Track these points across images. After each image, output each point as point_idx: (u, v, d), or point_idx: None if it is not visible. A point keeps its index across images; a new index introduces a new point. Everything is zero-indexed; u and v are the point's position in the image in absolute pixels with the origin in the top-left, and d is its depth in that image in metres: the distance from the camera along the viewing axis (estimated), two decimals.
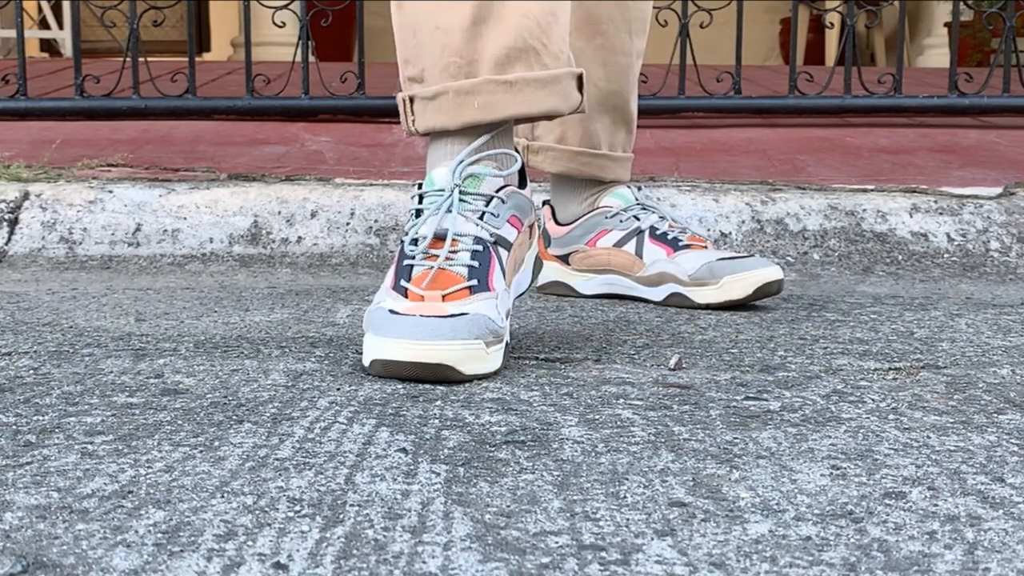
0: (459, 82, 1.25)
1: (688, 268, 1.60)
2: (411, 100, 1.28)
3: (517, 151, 1.29)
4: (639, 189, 1.73)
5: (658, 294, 1.64)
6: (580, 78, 1.29)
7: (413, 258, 1.22)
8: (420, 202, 1.25)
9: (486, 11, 1.23)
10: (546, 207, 1.77)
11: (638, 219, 1.68)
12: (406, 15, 1.28)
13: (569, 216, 1.73)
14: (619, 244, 1.67)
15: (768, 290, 1.59)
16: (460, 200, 1.23)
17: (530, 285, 1.35)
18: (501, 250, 1.25)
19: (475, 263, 1.21)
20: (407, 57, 1.28)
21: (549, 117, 1.29)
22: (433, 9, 1.25)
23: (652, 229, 1.67)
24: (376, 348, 1.14)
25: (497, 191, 1.25)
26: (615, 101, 1.69)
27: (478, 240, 1.22)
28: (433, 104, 1.26)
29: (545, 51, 1.25)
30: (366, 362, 1.16)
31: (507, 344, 1.22)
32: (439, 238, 1.22)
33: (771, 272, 1.60)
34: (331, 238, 2.03)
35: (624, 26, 1.67)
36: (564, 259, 1.71)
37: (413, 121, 1.28)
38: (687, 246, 1.64)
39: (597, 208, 1.70)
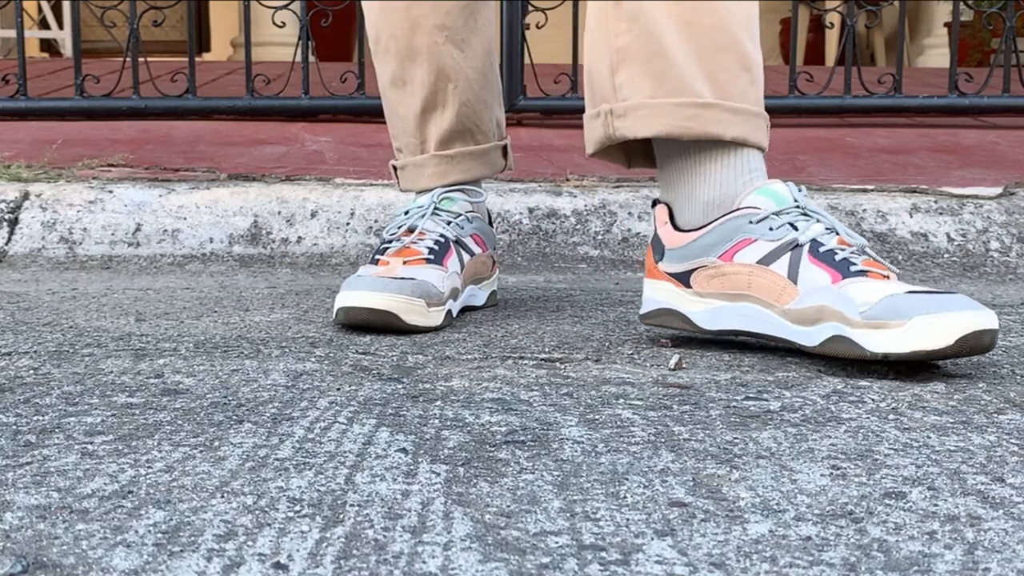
0: (415, 157, 1.61)
1: (861, 303, 1.17)
2: (394, 168, 1.65)
3: (482, 191, 1.63)
4: (800, 189, 1.30)
5: (813, 337, 1.21)
6: (505, 148, 1.64)
7: (390, 242, 1.52)
8: (405, 214, 1.56)
9: (432, 101, 1.57)
10: (659, 207, 1.36)
11: (795, 228, 1.26)
12: (386, 103, 1.63)
13: (694, 219, 1.32)
14: (764, 261, 1.26)
15: (978, 342, 1.14)
16: (434, 212, 1.55)
17: (481, 307, 1.60)
18: (463, 251, 1.54)
19: (435, 248, 1.50)
20: (391, 134, 1.65)
21: (481, 179, 1.62)
22: (398, 100, 1.60)
23: (814, 244, 1.24)
24: (340, 299, 1.40)
25: (467, 212, 1.58)
26: (717, 38, 1.28)
27: (443, 235, 1.53)
28: (402, 173, 1.63)
29: (478, 130, 1.59)
30: (333, 314, 1.43)
31: (450, 313, 1.47)
32: (411, 230, 1.53)
33: (984, 318, 1.15)
34: (331, 238, 2.03)
35: None
36: (683, 278, 1.32)
37: (397, 182, 1.65)
38: (862, 272, 1.21)
39: (740, 209, 1.28)
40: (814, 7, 6.37)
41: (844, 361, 1.24)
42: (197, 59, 3.01)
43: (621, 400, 1.09)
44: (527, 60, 2.88)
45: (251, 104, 2.90)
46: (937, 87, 3.34)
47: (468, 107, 1.58)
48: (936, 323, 1.14)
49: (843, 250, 1.24)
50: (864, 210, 2.07)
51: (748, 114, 1.30)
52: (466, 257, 1.55)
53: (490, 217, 1.66)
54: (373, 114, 2.84)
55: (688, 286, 1.32)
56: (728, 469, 0.89)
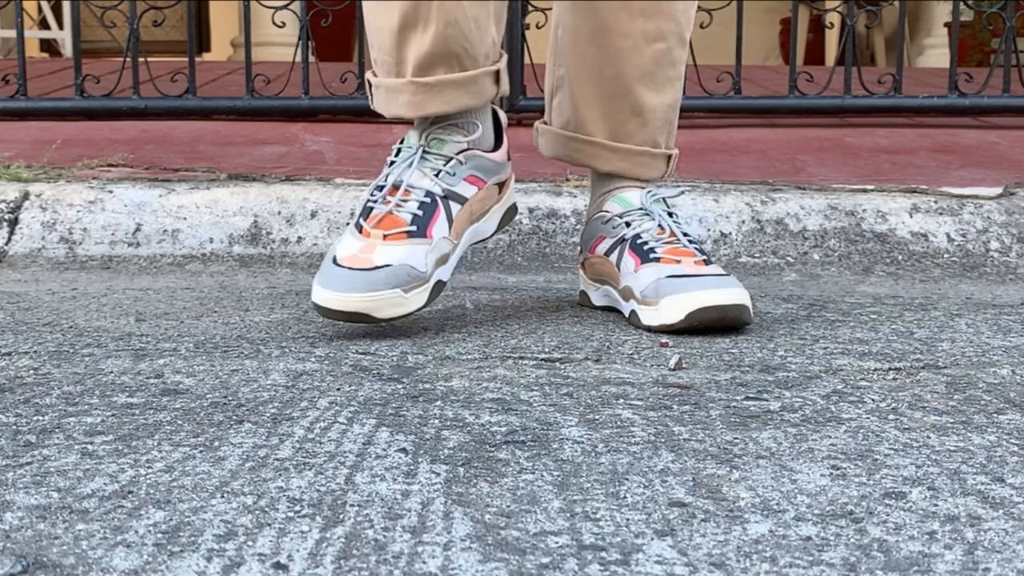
0: (390, 79, 1.44)
1: (641, 284, 1.45)
2: (369, 84, 1.49)
3: (479, 123, 1.46)
4: (667, 198, 1.56)
5: (627, 310, 1.48)
6: (497, 73, 1.46)
7: (375, 202, 1.42)
8: (396, 155, 1.45)
9: (413, 16, 1.39)
10: None
11: (628, 226, 1.52)
12: (366, 12, 1.47)
13: (587, 218, 1.64)
14: (607, 253, 1.53)
15: (708, 317, 1.38)
16: (422, 158, 1.43)
17: (492, 234, 1.54)
18: (453, 204, 1.43)
19: (420, 212, 1.41)
20: (369, 44, 1.47)
21: (466, 110, 1.46)
22: (375, 10, 1.43)
23: (635, 238, 1.50)
24: (315, 294, 1.36)
25: (459, 153, 1.44)
26: (615, 87, 1.53)
27: (428, 193, 1.42)
28: (376, 92, 1.47)
29: (466, 55, 1.42)
30: (311, 302, 1.38)
31: (439, 283, 1.41)
32: (395, 187, 1.42)
33: (719, 296, 1.39)
34: (331, 238, 2.03)
35: (622, 5, 1.50)
36: (583, 266, 1.61)
37: (371, 100, 1.49)
38: (656, 259, 1.46)
39: (598, 212, 1.58)
40: (814, 7, 6.37)
41: (844, 361, 1.25)
42: (197, 59, 3.00)
43: (621, 400, 1.09)
44: (527, 60, 2.88)
45: (251, 104, 2.90)
46: (937, 87, 3.34)
47: (454, 27, 1.39)
48: (675, 302, 1.39)
49: (655, 241, 1.49)
50: (864, 210, 2.07)
51: (630, 152, 1.56)
52: (456, 208, 1.43)
53: (499, 123, 1.52)
54: (373, 114, 2.83)
55: (586, 272, 1.60)
56: (728, 469, 0.89)
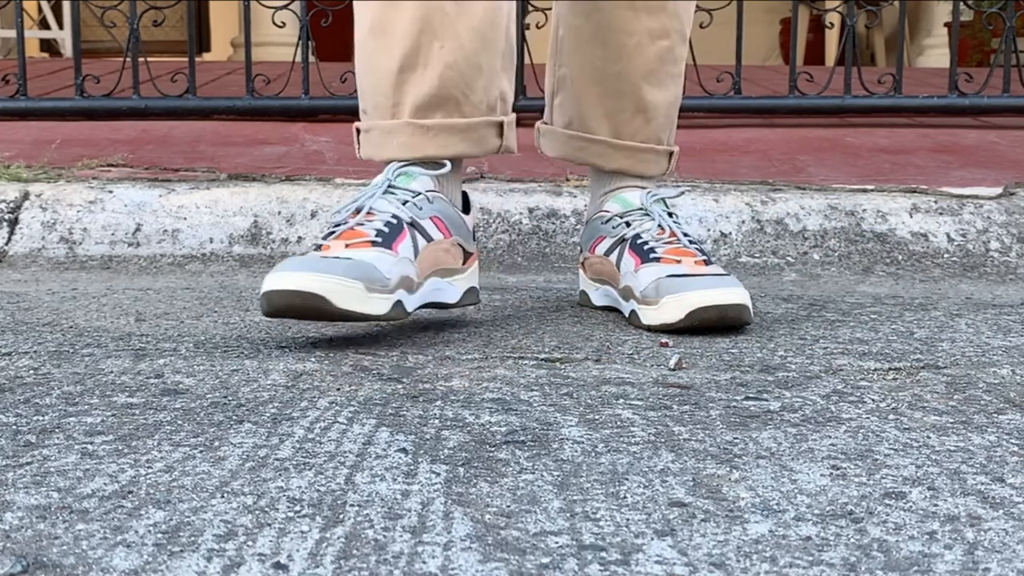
0: (386, 121, 1.40)
1: (642, 284, 1.43)
2: (357, 131, 1.45)
3: (447, 162, 1.41)
4: (666, 198, 1.55)
5: (627, 309, 1.47)
6: (501, 125, 1.44)
7: (337, 225, 1.35)
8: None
9: (413, 58, 1.37)
10: None
11: (628, 226, 1.51)
12: (360, 55, 1.42)
13: (586, 217, 1.63)
14: (607, 253, 1.53)
15: (708, 316, 1.37)
16: (388, 191, 1.37)
17: (453, 305, 1.44)
18: (419, 235, 1.36)
19: (385, 229, 1.33)
20: (360, 91, 1.44)
21: (464, 157, 1.44)
22: (375, 50, 1.40)
23: (635, 238, 1.49)
24: (264, 283, 1.25)
25: (427, 191, 1.39)
26: (619, 85, 1.54)
27: (395, 216, 1.35)
28: (366, 137, 1.43)
29: (466, 101, 1.40)
30: (260, 302, 1.26)
31: (401, 305, 1.30)
32: (358, 211, 1.36)
33: (719, 295, 1.38)
34: None
35: (626, 3, 1.50)
36: (583, 266, 1.60)
37: (358, 148, 1.45)
38: (656, 259, 1.45)
39: (598, 212, 1.57)
40: (814, 7, 6.37)
41: (844, 361, 1.25)
42: (197, 59, 3.01)
43: (621, 400, 1.09)
44: (527, 60, 2.88)
45: (251, 104, 2.90)
46: (937, 87, 3.34)
47: (454, 70, 1.37)
48: (676, 301, 1.38)
49: (656, 241, 1.48)
50: (864, 210, 2.07)
51: (634, 150, 1.56)
52: (422, 242, 1.36)
53: (467, 202, 1.49)
54: None
55: (586, 272, 1.59)
56: (728, 469, 0.89)
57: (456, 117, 1.40)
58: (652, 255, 1.46)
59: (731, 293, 1.38)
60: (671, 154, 1.59)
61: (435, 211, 1.39)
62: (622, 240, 1.51)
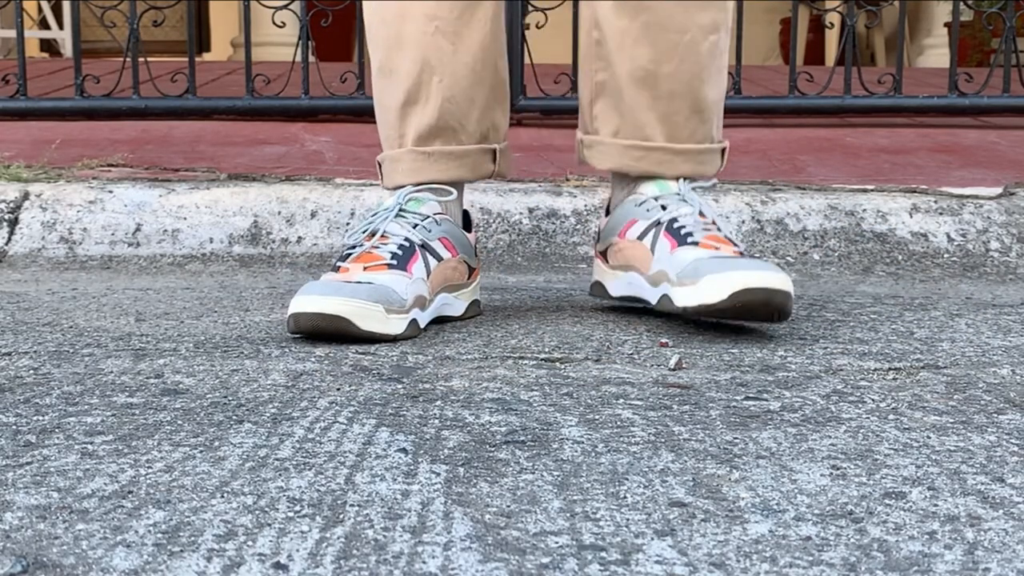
0: (392, 151, 1.54)
1: (679, 264, 1.38)
2: (379, 164, 1.57)
3: (454, 191, 1.51)
4: (710, 186, 1.53)
5: (655, 295, 1.43)
6: (495, 152, 1.54)
7: (352, 248, 1.45)
8: (372, 216, 1.49)
9: (415, 94, 1.50)
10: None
11: (664, 208, 1.46)
12: (374, 93, 1.57)
13: (613, 205, 1.58)
14: (640, 236, 1.48)
15: (754, 299, 1.30)
16: (399, 215, 1.47)
17: (458, 317, 1.50)
18: (430, 256, 1.45)
19: (399, 252, 1.43)
20: (378, 122, 1.57)
21: (461, 182, 1.54)
22: (383, 90, 1.54)
23: (671, 221, 1.45)
24: (291, 305, 1.33)
25: (435, 214, 1.49)
26: (672, 86, 1.49)
27: (407, 239, 1.45)
28: (383, 168, 1.56)
29: (462, 130, 1.51)
30: (287, 322, 1.34)
31: (416, 323, 1.39)
32: (372, 234, 1.45)
33: (767, 278, 1.30)
34: (331, 238, 2.03)
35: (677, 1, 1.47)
36: (605, 255, 1.55)
37: (381, 179, 1.57)
38: (695, 243, 1.40)
39: (631, 195, 1.52)
40: (814, 7, 6.37)
41: (844, 361, 1.25)
42: (197, 59, 3.01)
43: (621, 400, 1.09)
44: (527, 60, 2.88)
45: (251, 104, 2.90)
46: (937, 87, 3.33)
47: (452, 103, 1.49)
48: (717, 280, 1.31)
49: (694, 225, 1.44)
50: (864, 210, 2.07)
51: (693, 152, 1.52)
52: (433, 263, 1.45)
53: (468, 220, 1.57)
54: (373, 114, 2.83)
55: (607, 261, 1.56)
56: (728, 469, 0.89)
57: (454, 145, 1.51)
58: (690, 239, 1.41)
59: (779, 278, 1.32)
60: (724, 150, 1.55)
61: (443, 232, 1.49)
62: (657, 223, 1.46)
